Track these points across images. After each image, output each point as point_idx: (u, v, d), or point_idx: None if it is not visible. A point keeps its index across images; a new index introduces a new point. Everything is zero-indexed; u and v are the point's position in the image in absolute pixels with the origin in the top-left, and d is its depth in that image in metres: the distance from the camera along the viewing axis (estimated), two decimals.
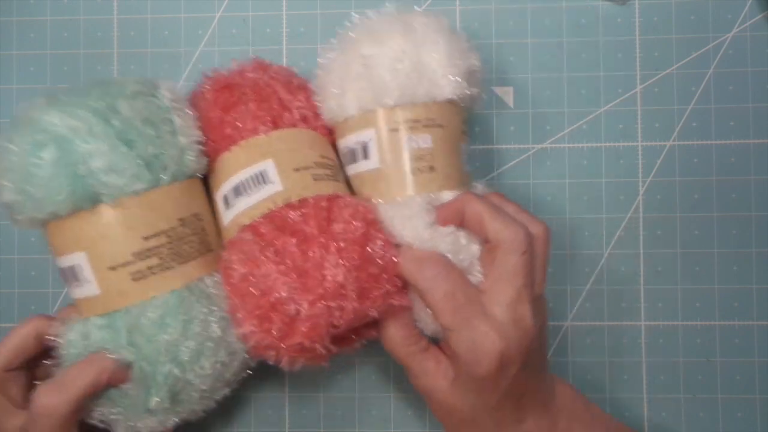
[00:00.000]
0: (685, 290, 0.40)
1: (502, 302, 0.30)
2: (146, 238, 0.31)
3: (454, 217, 0.32)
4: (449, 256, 0.31)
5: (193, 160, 0.33)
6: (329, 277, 0.29)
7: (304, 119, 0.35)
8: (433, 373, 0.32)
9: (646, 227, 0.41)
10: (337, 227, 0.30)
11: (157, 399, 0.30)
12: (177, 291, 0.31)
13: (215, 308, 0.32)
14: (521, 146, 0.41)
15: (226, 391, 0.34)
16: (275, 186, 0.32)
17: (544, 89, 0.41)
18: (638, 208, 0.41)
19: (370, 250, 0.30)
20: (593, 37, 0.41)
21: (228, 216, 0.33)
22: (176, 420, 0.32)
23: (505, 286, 0.30)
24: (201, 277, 0.32)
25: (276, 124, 0.34)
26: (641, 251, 0.41)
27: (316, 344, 0.30)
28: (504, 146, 0.41)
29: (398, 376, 0.41)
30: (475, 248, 0.32)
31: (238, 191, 0.33)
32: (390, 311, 0.32)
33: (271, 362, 0.31)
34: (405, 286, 0.32)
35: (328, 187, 0.33)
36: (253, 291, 0.30)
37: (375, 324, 0.33)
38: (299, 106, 0.35)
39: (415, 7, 0.42)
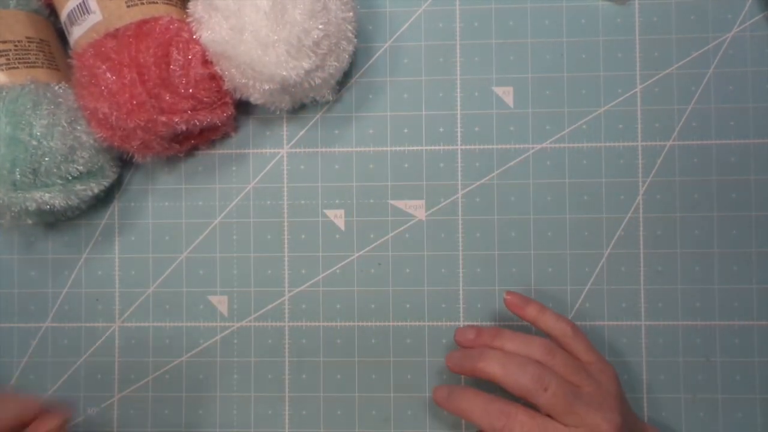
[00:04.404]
0: (685, 290, 0.40)
1: (570, 426, 0.33)
2: None
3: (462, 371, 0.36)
4: None
5: None
6: (134, 98, 0.35)
7: None
8: None
9: (646, 227, 0.41)
10: (140, 54, 0.35)
11: (19, 169, 0.36)
12: (27, 84, 0.36)
13: (61, 101, 0.37)
14: (521, 146, 0.41)
15: (85, 179, 0.38)
16: (96, 16, 0.36)
17: (544, 89, 0.41)
18: (638, 208, 0.41)
19: (173, 69, 0.36)
20: (593, 37, 0.41)
21: (71, 43, 0.38)
22: (45, 196, 0.36)
23: (560, 417, 0.33)
24: (48, 82, 0.37)
25: None
26: (641, 251, 0.41)
27: (154, 145, 0.38)
28: (504, 146, 0.41)
29: (398, 376, 0.41)
30: None
31: (71, 21, 0.37)
32: None
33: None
34: (216, 103, 0.38)
35: (141, 12, 0.36)
36: (89, 107, 0.36)
37: (214, 130, 0.40)
38: None
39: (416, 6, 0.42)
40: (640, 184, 0.41)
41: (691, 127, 0.41)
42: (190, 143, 0.41)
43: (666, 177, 0.41)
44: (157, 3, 0.37)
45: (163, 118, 0.36)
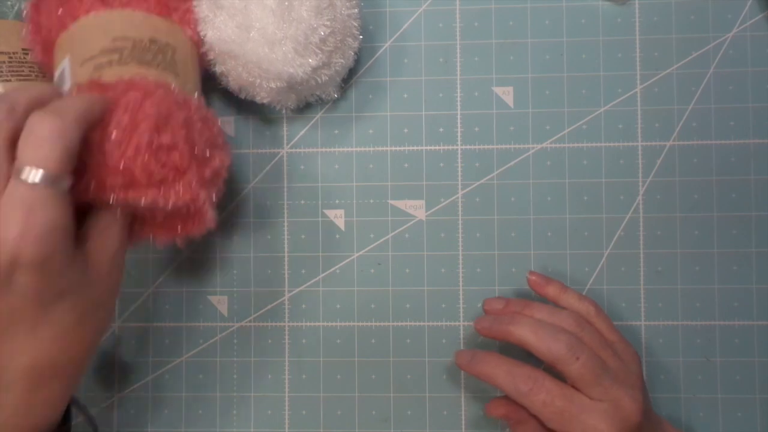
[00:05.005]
0: (685, 290, 0.40)
1: (595, 399, 0.33)
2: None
3: (498, 336, 0.36)
4: None
5: None
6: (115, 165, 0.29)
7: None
8: None
9: (646, 227, 0.41)
10: (109, 125, 0.29)
11: None
12: None
13: None
14: (521, 146, 0.41)
15: None
16: (68, 85, 0.33)
17: (544, 89, 0.41)
18: (638, 208, 0.41)
19: (110, 131, 0.28)
20: (593, 37, 0.41)
21: None
22: None
23: (587, 388, 0.33)
24: None
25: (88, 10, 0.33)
26: (641, 251, 0.41)
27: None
28: (504, 146, 0.41)
29: (398, 376, 0.41)
30: None
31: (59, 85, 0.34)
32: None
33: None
34: (164, 182, 0.30)
35: (108, 77, 0.31)
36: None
37: (199, 216, 0.32)
38: None
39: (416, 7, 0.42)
40: (640, 184, 0.41)
41: (691, 127, 0.41)
42: (146, 232, 0.33)
43: (666, 177, 0.41)
44: (126, 65, 0.32)
45: (90, 190, 0.29)
